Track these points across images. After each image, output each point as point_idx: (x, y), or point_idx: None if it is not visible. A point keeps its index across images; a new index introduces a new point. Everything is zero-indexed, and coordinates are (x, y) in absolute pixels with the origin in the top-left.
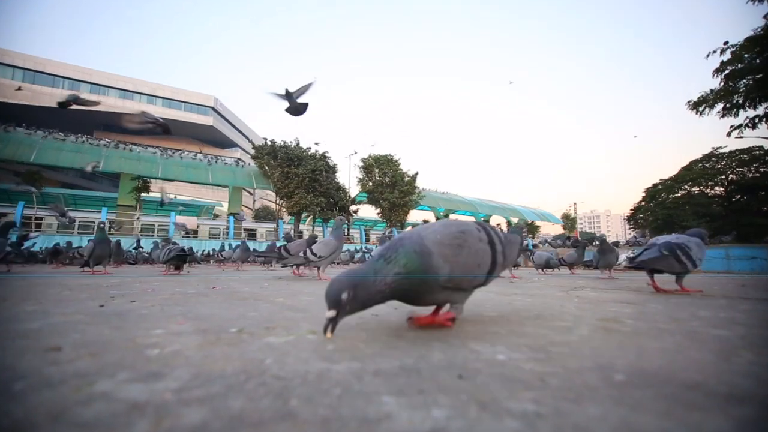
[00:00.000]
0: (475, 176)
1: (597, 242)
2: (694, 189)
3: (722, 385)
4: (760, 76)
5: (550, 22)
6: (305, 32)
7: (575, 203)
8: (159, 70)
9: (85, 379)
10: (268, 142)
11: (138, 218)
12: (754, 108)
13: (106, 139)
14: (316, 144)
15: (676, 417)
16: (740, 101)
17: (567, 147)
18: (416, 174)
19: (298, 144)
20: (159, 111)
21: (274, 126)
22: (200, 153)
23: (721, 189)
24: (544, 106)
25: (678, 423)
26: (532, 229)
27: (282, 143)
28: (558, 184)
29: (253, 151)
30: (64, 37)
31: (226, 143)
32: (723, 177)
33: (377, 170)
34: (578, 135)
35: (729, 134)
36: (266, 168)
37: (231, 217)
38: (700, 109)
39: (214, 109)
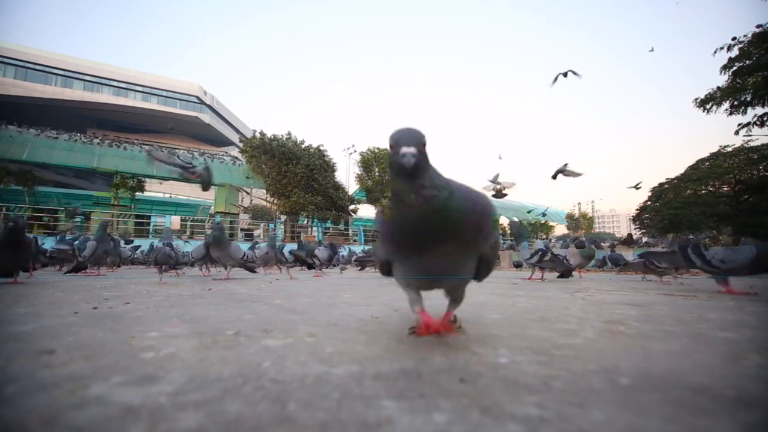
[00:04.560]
0: (481, 173)
1: None
2: (701, 188)
3: (730, 388)
4: None
5: (555, 17)
6: (302, 27)
7: (579, 203)
8: (141, 59)
9: (79, 383)
10: (258, 135)
11: (130, 217)
12: (763, 105)
13: (100, 138)
14: None
15: (683, 421)
16: (748, 99)
17: (570, 144)
18: None
19: (290, 138)
20: (142, 103)
21: (266, 120)
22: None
23: (729, 188)
24: (547, 103)
25: (685, 428)
26: (539, 228)
27: (273, 137)
28: (563, 183)
29: (241, 145)
30: (33, 22)
31: (218, 139)
32: (730, 176)
33: (377, 167)
34: (582, 132)
35: (737, 132)
36: (258, 164)
37: (217, 216)
38: (708, 106)
39: (200, 98)
